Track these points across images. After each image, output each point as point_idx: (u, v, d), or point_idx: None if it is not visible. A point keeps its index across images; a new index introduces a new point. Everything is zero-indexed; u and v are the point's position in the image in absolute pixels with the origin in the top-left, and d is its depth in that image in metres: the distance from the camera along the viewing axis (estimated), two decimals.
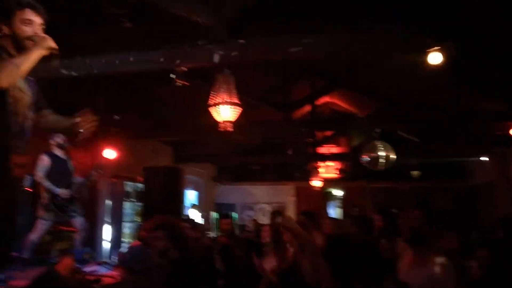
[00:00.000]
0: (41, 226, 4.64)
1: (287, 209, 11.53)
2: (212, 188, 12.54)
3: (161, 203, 6.72)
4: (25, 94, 2.05)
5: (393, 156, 6.70)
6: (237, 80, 4.27)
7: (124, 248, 7.27)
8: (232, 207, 12.14)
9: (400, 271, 3.14)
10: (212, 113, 4.27)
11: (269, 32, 3.66)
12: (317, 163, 11.24)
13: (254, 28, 4.11)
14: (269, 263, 3.99)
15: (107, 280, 3.96)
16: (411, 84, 6.66)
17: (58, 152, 4.94)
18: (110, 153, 6.77)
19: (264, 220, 9.33)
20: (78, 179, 5.06)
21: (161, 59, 3.77)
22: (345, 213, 11.93)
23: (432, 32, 3.46)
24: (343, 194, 12.77)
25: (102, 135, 6.26)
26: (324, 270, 2.36)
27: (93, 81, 4.29)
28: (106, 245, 7.60)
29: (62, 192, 4.73)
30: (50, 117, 2.34)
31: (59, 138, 4.91)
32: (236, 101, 4.23)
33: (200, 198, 11.41)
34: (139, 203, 8.28)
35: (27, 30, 1.98)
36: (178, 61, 3.87)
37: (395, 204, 9.66)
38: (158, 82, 4.93)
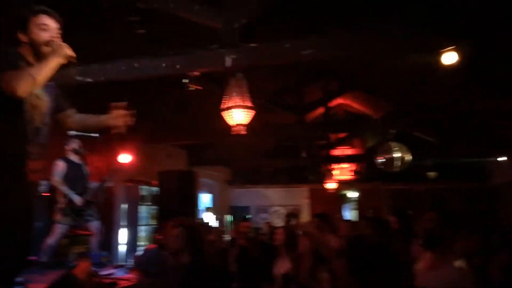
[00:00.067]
0: (58, 230, 4.70)
1: (301, 212, 11.49)
2: (227, 191, 12.54)
3: (176, 206, 6.76)
4: (43, 101, 2.05)
5: (408, 157, 6.63)
6: (249, 83, 4.27)
7: (140, 251, 7.32)
8: (246, 210, 12.16)
9: (417, 274, 3.10)
10: (225, 117, 4.28)
11: (281, 35, 3.65)
12: (331, 165, 11.17)
13: (266, 32, 4.11)
14: (282, 265, 3.99)
15: (123, 283, 4.01)
16: (425, 84, 6.57)
17: (74, 158, 4.98)
18: (125, 158, 6.84)
19: (279, 222, 9.31)
20: (93, 183, 5.12)
21: (177, 66, 3.80)
22: (360, 215, 11.81)
23: (447, 32, 3.41)
24: (358, 196, 12.65)
25: (117, 140, 6.32)
26: (340, 271, 2.35)
27: (108, 86, 4.34)
28: (122, 248, 7.68)
29: (76, 199, 4.77)
30: (77, 116, 2.33)
31: (75, 144, 4.97)
32: (249, 104, 4.23)
33: (214, 201, 11.42)
34: (154, 207, 8.36)
35: (44, 35, 1.98)
36: (190, 66, 3.90)
37: (410, 206, 9.56)
38: (171, 86, 4.96)
